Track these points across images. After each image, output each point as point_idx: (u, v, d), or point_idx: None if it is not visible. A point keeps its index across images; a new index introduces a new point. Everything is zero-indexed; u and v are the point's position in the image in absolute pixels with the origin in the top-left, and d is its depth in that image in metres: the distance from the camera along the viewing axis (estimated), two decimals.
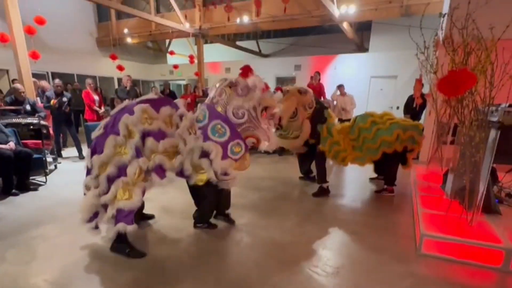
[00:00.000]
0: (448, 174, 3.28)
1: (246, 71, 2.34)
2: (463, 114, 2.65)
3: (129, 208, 2.09)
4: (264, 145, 2.41)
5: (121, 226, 2.10)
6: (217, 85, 2.40)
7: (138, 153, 2.13)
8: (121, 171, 2.11)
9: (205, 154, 2.26)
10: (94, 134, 2.25)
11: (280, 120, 3.46)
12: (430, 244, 2.38)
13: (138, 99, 2.34)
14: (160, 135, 2.22)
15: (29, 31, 5.88)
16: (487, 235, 2.35)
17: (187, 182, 2.48)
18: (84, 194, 2.26)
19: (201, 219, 2.81)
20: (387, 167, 3.77)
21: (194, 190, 2.70)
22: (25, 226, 2.84)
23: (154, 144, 2.18)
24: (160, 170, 2.21)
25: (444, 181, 3.39)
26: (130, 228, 2.13)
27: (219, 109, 2.28)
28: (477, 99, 2.50)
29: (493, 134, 2.37)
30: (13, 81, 6.39)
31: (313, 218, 3.12)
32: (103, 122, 2.27)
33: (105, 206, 2.17)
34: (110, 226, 2.20)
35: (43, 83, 6.46)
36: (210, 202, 2.70)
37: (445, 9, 4.88)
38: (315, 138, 3.67)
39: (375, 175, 4.38)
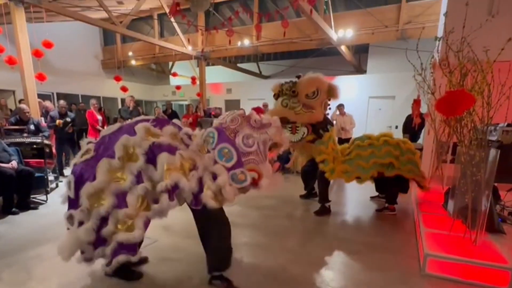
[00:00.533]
0: (449, 192, 3.27)
1: (258, 111, 2.43)
2: (462, 134, 2.69)
3: (131, 242, 1.84)
4: (264, 183, 2.09)
5: (123, 258, 1.86)
6: (228, 113, 2.27)
7: (139, 179, 1.86)
8: (120, 200, 1.82)
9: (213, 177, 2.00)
10: (77, 159, 1.94)
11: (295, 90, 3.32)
12: (434, 264, 2.34)
13: (135, 119, 2.13)
14: (172, 149, 1.94)
15: (36, 54, 6.07)
16: (493, 255, 2.32)
17: (196, 221, 2.12)
18: (68, 228, 1.96)
19: (221, 264, 2.11)
20: (388, 186, 3.78)
21: (202, 227, 2.14)
22: (23, 246, 2.81)
23: (170, 158, 1.88)
24: (173, 191, 1.88)
25: (446, 200, 3.38)
26: (134, 259, 1.92)
27: (228, 133, 2.09)
28: (475, 118, 2.54)
29: (493, 153, 2.39)
30: (20, 101, 6.52)
31: (315, 238, 3.08)
32: (90, 145, 1.98)
33: (94, 243, 1.89)
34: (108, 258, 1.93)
35: (47, 103, 6.59)
36: (223, 232, 2.12)
37: (440, 32, 5.05)
38: (314, 131, 3.50)
39: (375, 194, 4.36)
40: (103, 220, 1.82)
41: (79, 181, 1.85)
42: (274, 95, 3.60)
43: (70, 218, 1.92)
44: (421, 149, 5.88)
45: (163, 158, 1.86)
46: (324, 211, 3.79)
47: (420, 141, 6.55)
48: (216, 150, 2.01)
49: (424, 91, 3.95)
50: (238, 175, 1.98)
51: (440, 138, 4.02)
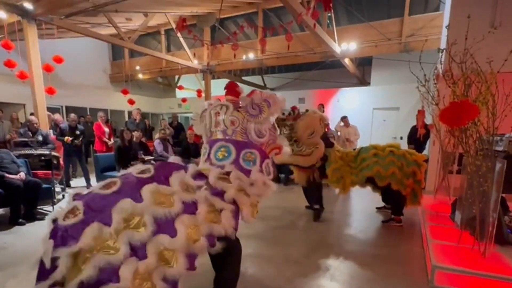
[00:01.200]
0: (456, 203, 3.23)
1: (233, 88, 2.18)
2: (468, 144, 2.68)
3: None
4: (285, 152, 2.28)
5: None
6: (215, 112, 2.12)
7: (139, 252, 1.42)
8: (106, 274, 1.32)
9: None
10: (61, 221, 1.42)
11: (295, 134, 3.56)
12: (443, 276, 2.29)
13: (133, 173, 1.73)
14: (190, 208, 1.64)
15: (47, 69, 6.26)
16: (503, 267, 2.26)
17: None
18: None
19: (229, 284, 2.15)
20: (393, 197, 3.76)
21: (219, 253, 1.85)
22: (28, 256, 2.81)
23: (191, 219, 1.60)
24: (211, 238, 1.65)
25: (453, 211, 3.32)
26: None
27: (239, 138, 2.02)
28: (480, 129, 2.54)
29: (499, 163, 2.37)
30: (31, 114, 6.68)
31: (320, 249, 3.05)
32: (78, 204, 1.46)
33: None
34: None
35: (56, 116, 6.74)
36: (237, 252, 2.18)
37: (443, 44, 5.10)
38: (323, 160, 3.79)
39: (381, 205, 4.32)
40: None
41: (58, 246, 1.38)
42: None
43: None
44: (426, 160, 5.85)
45: (181, 224, 1.55)
46: (319, 215, 3.97)
47: (425, 152, 6.49)
48: (240, 159, 1.96)
49: (428, 102, 3.96)
50: (266, 169, 2.05)
51: (446, 148, 4.00)
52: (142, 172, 1.73)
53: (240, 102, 2.11)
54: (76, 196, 1.57)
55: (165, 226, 1.51)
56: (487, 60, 2.53)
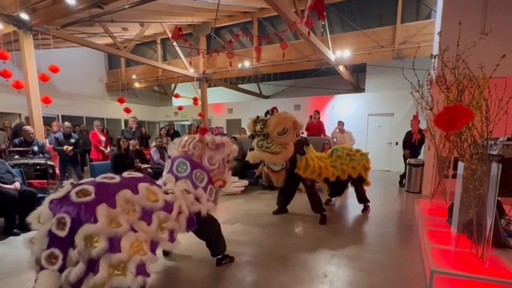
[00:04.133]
0: (453, 208, 3.25)
1: (204, 131, 2.97)
2: (463, 148, 2.71)
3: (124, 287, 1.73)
4: (229, 187, 2.97)
5: None
6: (185, 139, 2.79)
7: (132, 229, 1.90)
8: (114, 244, 1.76)
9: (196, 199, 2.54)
10: (74, 198, 1.80)
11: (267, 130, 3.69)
12: (442, 281, 2.29)
13: (130, 176, 2.23)
14: (168, 207, 2.21)
15: (43, 78, 6.24)
16: (501, 270, 2.27)
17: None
18: (42, 268, 1.71)
19: (219, 248, 2.80)
20: (356, 188, 4.64)
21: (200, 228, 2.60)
22: (21, 268, 2.76)
23: (165, 215, 2.16)
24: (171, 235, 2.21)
25: (450, 215, 3.34)
26: None
27: (195, 159, 2.66)
28: (475, 133, 2.57)
29: (495, 167, 2.40)
30: (26, 119, 6.63)
31: (318, 255, 3.03)
32: (89, 187, 1.87)
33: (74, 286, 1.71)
34: None
35: (54, 123, 6.74)
36: (215, 227, 2.79)
37: (435, 51, 5.20)
38: (291, 163, 3.92)
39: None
40: (91, 263, 1.71)
41: (76, 221, 1.74)
42: (249, 136, 3.98)
43: (52, 258, 1.70)
44: (422, 165, 5.91)
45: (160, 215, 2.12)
46: (325, 217, 4.08)
47: (420, 156, 6.55)
48: (193, 175, 2.59)
49: (422, 108, 4.02)
50: (212, 192, 2.68)
51: (441, 153, 4.03)
52: (131, 174, 2.26)
53: (205, 138, 2.77)
54: (77, 184, 1.95)
55: (147, 215, 2.04)
56: (479, 65, 2.58)
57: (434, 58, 3.59)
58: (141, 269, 1.81)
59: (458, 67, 2.81)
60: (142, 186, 2.09)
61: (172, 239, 2.19)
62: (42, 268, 1.70)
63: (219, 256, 2.79)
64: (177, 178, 2.56)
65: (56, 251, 1.71)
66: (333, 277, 2.58)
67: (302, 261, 2.90)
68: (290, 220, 4.28)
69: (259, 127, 3.72)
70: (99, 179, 2.05)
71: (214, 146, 2.77)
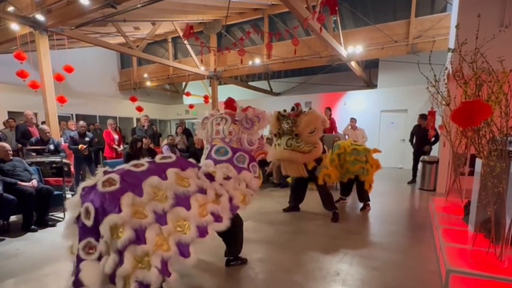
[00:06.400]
0: (470, 205, 3.15)
1: (231, 103, 2.78)
2: (481, 145, 2.62)
3: (147, 282, 1.66)
4: (270, 156, 3.02)
5: None
6: (216, 122, 2.67)
7: (162, 219, 1.83)
8: (139, 235, 1.72)
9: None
10: (100, 188, 1.78)
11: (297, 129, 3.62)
12: (457, 280, 2.23)
13: (161, 160, 2.18)
14: (201, 191, 2.10)
15: (58, 78, 6.40)
16: None
17: None
18: (82, 259, 1.72)
19: (236, 250, 2.72)
20: (358, 187, 4.56)
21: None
22: (40, 263, 2.86)
23: (202, 197, 2.06)
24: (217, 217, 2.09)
25: (466, 213, 3.25)
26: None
27: (234, 145, 2.58)
28: (494, 129, 2.48)
29: None
30: (42, 123, 6.82)
31: (330, 253, 3.01)
32: (114, 176, 1.85)
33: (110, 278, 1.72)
34: None
35: (70, 122, 6.90)
36: (241, 228, 2.72)
37: (452, 44, 5.05)
38: (317, 162, 3.91)
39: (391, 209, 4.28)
40: (118, 254, 1.68)
41: (100, 210, 1.72)
42: (274, 135, 3.84)
43: (89, 248, 1.73)
44: (437, 162, 5.77)
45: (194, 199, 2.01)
46: (338, 217, 4.06)
47: (435, 153, 6.40)
48: (234, 159, 2.51)
49: (438, 103, 3.91)
50: (253, 168, 2.61)
51: (457, 150, 3.92)
52: (164, 158, 2.20)
53: (236, 116, 2.66)
54: (108, 171, 1.94)
55: (182, 201, 1.94)
56: (499, 59, 2.49)
57: (452, 52, 3.48)
58: (163, 266, 1.72)
59: (476, 61, 2.72)
60: (171, 171, 2.00)
61: (218, 219, 2.07)
62: (80, 259, 1.71)
63: (231, 257, 2.72)
64: (215, 162, 2.47)
65: (92, 241, 1.72)
66: (346, 275, 2.55)
67: (314, 259, 2.88)
68: (301, 218, 4.26)
69: (286, 125, 3.63)
70: (127, 166, 2.00)
71: (249, 124, 2.63)
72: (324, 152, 3.95)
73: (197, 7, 8.21)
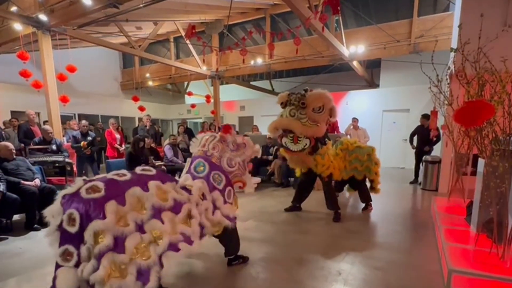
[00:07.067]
0: (472, 206, 3.14)
1: (227, 129, 2.85)
2: (484, 145, 2.61)
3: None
4: (249, 188, 2.84)
5: None
6: (206, 138, 2.73)
7: (141, 229, 1.84)
8: (118, 244, 1.73)
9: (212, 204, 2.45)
10: (84, 194, 1.76)
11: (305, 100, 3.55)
12: (459, 281, 2.23)
13: (141, 172, 2.16)
14: (176, 206, 2.10)
15: (61, 78, 6.44)
16: None
17: None
18: (59, 265, 1.71)
19: (232, 249, 2.73)
20: (359, 187, 4.54)
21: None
22: (42, 262, 2.87)
23: (172, 216, 2.04)
24: (186, 238, 2.06)
25: (468, 213, 3.24)
26: None
27: (214, 160, 2.60)
28: (496, 129, 2.48)
29: None
30: (44, 122, 6.86)
31: (332, 253, 3.01)
32: (99, 184, 1.84)
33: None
34: None
35: (72, 121, 6.93)
36: (233, 234, 2.69)
37: (454, 44, 5.03)
38: (313, 150, 3.78)
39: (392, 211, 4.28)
40: (98, 260, 1.67)
41: (84, 217, 1.72)
42: (281, 104, 3.79)
43: (67, 254, 1.71)
44: (439, 162, 5.75)
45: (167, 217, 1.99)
46: (339, 216, 4.06)
47: (437, 153, 6.38)
48: (210, 177, 2.50)
49: (440, 103, 3.90)
50: (227, 194, 2.54)
51: (459, 150, 3.91)
52: (145, 170, 2.18)
53: (227, 138, 2.73)
54: (88, 180, 1.90)
55: (158, 214, 1.94)
56: (502, 58, 2.48)
57: (455, 52, 3.47)
58: (143, 274, 1.72)
59: (479, 60, 2.71)
60: (152, 183, 2.02)
61: (189, 241, 2.04)
62: (58, 266, 1.71)
63: (231, 257, 2.75)
64: (194, 178, 2.49)
65: (70, 248, 1.70)
66: (348, 275, 2.55)
67: (316, 258, 2.88)
68: (303, 218, 4.26)
69: (295, 97, 3.59)
70: (110, 175, 2.00)
71: (234, 147, 2.72)
72: (324, 143, 3.87)
73: (199, 7, 8.22)
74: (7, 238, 3.51)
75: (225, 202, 2.50)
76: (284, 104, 3.71)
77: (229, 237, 2.64)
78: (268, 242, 3.31)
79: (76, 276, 1.67)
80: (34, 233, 3.68)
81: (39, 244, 3.34)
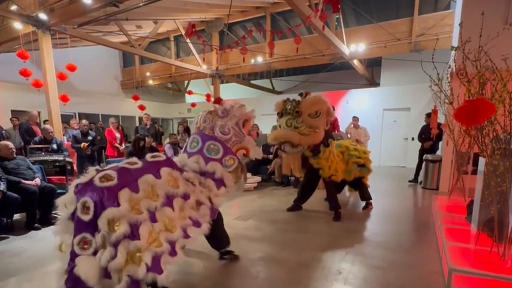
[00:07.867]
0: (473, 205, 3.14)
1: (218, 101, 2.87)
2: (484, 143, 2.60)
3: (137, 276, 1.69)
4: (253, 153, 2.68)
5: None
6: (199, 114, 2.70)
7: (153, 216, 1.88)
8: (133, 231, 1.75)
9: (210, 175, 2.42)
10: (97, 183, 1.80)
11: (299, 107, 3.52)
12: (460, 280, 2.22)
13: (152, 159, 2.23)
14: (187, 196, 2.16)
15: (61, 77, 6.44)
16: None
17: None
18: (77, 254, 1.74)
19: (222, 243, 2.76)
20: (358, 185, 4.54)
21: None
22: (42, 261, 2.87)
23: (183, 203, 2.11)
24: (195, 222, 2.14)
25: (469, 212, 3.23)
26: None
27: (206, 132, 2.56)
28: (497, 127, 2.47)
29: None
30: (45, 122, 6.86)
31: (331, 252, 3.00)
32: (111, 172, 1.88)
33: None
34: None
35: (72, 120, 6.93)
36: (220, 224, 2.71)
37: (455, 43, 5.01)
38: (314, 152, 3.76)
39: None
40: (114, 248, 1.70)
41: (98, 205, 1.74)
42: (277, 113, 3.78)
43: (84, 243, 1.74)
44: (439, 161, 5.74)
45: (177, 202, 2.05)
46: (339, 215, 4.04)
47: (438, 152, 6.37)
48: (204, 149, 2.45)
49: (441, 101, 3.88)
50: (227, 161, 2.46)
51: (460, 148, 3.90)
52: (155, 157, 2.24)
53: (215, 109, 2.67)
54: (105, 168, 1.99)
55: (170, 201, 1.99)
56: (503, 57, 2.47)
57: (455, 50, 3.45)
58: (155, 263, 1.75)
59: (480, 59, 2.69)
60: (164, 170, 2.07)
61: (198, 224, 2.13)
62: (75, 255, 1.73)
63: (223, 250, 2.76)
64: (189, 155, 2.48)
65: (88, 236, 1.74)
66: (348, 274, 2.55)
67: (316, 257, 2.88)
68: (303, 217, 4.26)
69: (290, 105, 3.55)
70: (121, 164, 2.04)
71: (224, 113, 2.62)
72: (327, 145, 3.82)
73: (199, 5, 8.21)
74: (8, 238, 3.51)
75: (223, 171, 2.43)
76: (280, 114, 3.69)
77: (215, 231, 2.46)
78: (268, 241, 3.31)
79: (96, 264, 1.70)
80: (35, 232, 3.69)
81: (40, 243, 3.34)
